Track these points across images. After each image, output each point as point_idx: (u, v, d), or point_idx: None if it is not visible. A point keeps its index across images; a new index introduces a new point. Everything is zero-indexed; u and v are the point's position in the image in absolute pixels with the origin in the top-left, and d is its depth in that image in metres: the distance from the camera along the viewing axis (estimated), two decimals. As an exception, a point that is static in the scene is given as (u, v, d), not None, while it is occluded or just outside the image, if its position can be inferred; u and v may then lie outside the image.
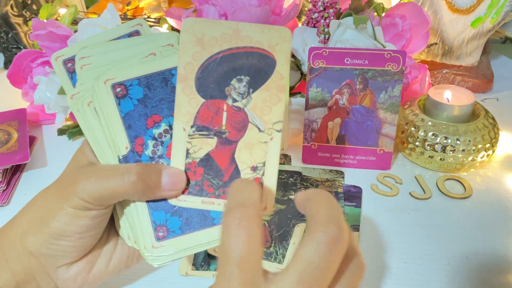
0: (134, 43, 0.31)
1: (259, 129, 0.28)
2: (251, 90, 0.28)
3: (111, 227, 0.33)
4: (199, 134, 0.29)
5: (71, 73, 0.32)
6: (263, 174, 0.28)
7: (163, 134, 0.30)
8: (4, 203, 0.49)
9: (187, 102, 0.28)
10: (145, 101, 0.30)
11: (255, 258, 0.22)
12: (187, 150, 0.29)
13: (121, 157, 0.29)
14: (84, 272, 0.31)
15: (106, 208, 0.30)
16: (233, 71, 0.28)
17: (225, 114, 0.28)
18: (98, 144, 0.30)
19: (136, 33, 0.33)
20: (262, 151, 0.28)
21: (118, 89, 0.29)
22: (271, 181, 0.28)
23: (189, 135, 0.29)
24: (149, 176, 0.28)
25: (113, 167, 0.29)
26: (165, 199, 0.29)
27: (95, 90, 0.29)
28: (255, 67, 0.28)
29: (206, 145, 0.29)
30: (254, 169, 0.28)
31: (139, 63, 0.30)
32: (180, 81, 0.28)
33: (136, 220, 0.29)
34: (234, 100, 0.28)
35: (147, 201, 0.30)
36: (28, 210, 0.31)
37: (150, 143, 0.30)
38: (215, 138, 0.29)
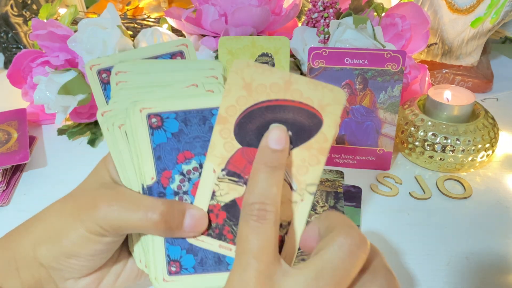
0: (176, 68, 0.29)
1: (291, 187, 0.27)
2: (291, 146, 0.26)
3: (123, 246, 0.32)
4: (229, 179, 0.28)
5: (105, 84, 0.30)
6: (286, 233, 0.27)
7: (192, 171, 0.29)
8: (4, 203, 0.49)
9: (222, 145, 0.27)
10: (179, 136, 0.28)
11: (271, 251, 0.23)
12: (214, 192, 0.28)
13: (145, 186, 0.28)
14: (91, 286, 0.31)
15: (121, 236, 0.29)
16: (276, 123, 0.26)
17: None
18: (123, 167, 0.29)
19: (180, 54, 0.31)
20: (290, 210, 0.27)
21: (154, 120, 0.28)
22: (293, 241, 0.27)
23: (218, 178, 0.28)
24: (172, 217, 0.27)
25: (137, 198, 0.28)
26: None
27: (129, 115, 0.28)
28: (300, 124, 0.26)
29: (234, 191, 0.28)
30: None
31: (179, 95, 0.28)
32: (219, 122, 0.27)
33: (151, 250, 0.29)
34: None
35: None
36: (43, 220, 0.30)
37: (177, 177, 0.29)
38: (244, 186, 0.27)
